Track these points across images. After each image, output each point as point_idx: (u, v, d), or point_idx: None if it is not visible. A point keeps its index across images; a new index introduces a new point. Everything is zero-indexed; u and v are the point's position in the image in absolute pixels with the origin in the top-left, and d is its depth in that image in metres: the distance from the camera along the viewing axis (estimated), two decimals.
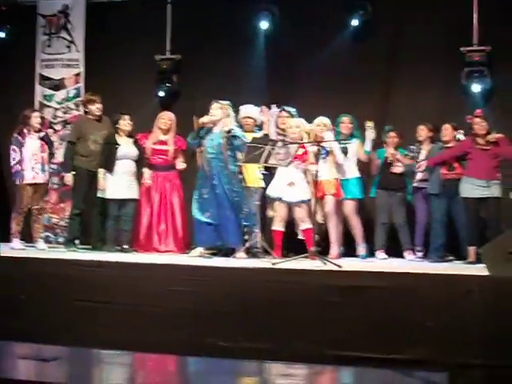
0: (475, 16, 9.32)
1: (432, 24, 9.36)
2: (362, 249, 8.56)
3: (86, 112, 8.99)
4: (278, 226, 8.14)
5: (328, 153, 8.30)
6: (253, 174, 8.26)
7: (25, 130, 8.70)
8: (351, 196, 8.51)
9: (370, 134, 8.47)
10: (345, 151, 8.49)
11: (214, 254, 8.20)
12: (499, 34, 9.08)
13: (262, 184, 8.28)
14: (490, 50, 9.16)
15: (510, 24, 8.96)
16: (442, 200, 8.32)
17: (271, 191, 8.16)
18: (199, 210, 8.05)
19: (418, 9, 9.50)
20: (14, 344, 6.01)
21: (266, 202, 8.33)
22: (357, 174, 8.60)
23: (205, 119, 8.04)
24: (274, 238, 8.17)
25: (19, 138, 8.68)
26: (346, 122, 8.61)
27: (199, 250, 8.05)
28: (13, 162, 8.66)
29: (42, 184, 8.81)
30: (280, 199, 8.08)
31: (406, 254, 8.61)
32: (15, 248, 8.42)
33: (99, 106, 8.85)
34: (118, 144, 8.51)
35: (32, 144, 8.69)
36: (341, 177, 8.44)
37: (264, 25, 9.91)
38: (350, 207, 8.54)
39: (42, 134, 8.88)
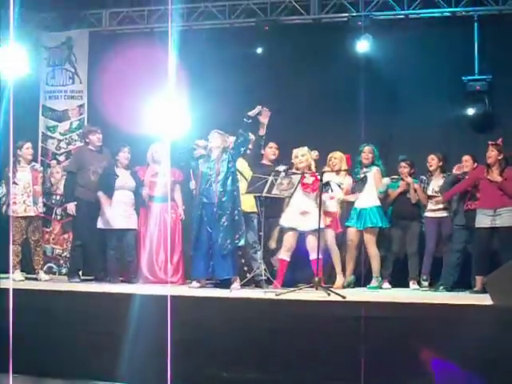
0: (476, 46, 9.39)
1: (434, 54, 9.40)
2: (373, 280, 8.52)
3: (86, 143, 8.99)
4: (284, 255, 8.10)
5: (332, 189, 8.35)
6: (246, 200, 8.20)
7: (17, 162, 8.69)
8: (370, 225, 8.49)
9: (387, 180, 8.59)
10: (364, 180, 8.53)
11: (218, 285, 8.15)
12: (499, 64, 9.15)
13: (255, 209, 8.27)
14: (490, 79, 9.22)
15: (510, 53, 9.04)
16: (463, 231, 8.29)
17: (285, 221, 8.13)
18: (192, 240, 8.02)
19: (420, 38, 9.56)
20: (14, 377, 6.00)
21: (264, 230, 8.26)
22: (376, 203, 8.57)
23: (200, 143, 8.06)
24: (278, 267, 8.13)
25: (12, 169, 8.61)
26: (365, 152, 8.65)
27: (200, 281, 7.99)
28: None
29: (35, 216, 8.76)
30: (294, 229, 8.04)
31: (411, 283, 8.59)
32: (16, 280, 8.37)
33: (99, 136, 8.85)
34: (116, 175, 8.52)
35: (23, 176, 8.68)
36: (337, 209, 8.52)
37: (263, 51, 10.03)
38: (367, 236, 8.51)
39: (33, 165, 8.88)
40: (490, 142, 8.00)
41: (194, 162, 8.11)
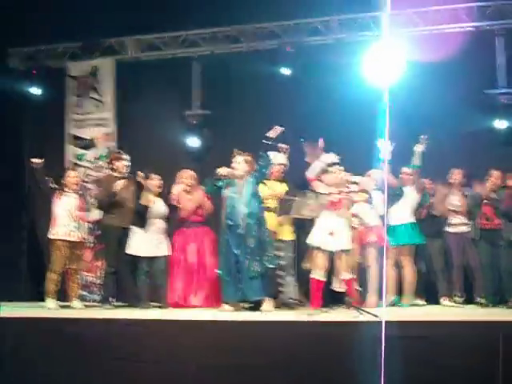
0: (499, 59, 9.38)
1: (456, 67, 9.40)
2: (405, 298, 8.50)
3: (113, 170, 9.01)
4: (317, 275, 8.00)
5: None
6: (285, 227, 8.26)
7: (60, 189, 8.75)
8: (405, 242, 8.52)
9: (419, 147, 8.47)
10: (400, 194, 8.57)
11: (251, 308, 8.13)
12: None
13: (294, 236, 8.29)
14: None
15: None
16: (486, 246, 8.27)
17: (311, 240, 8.10)
18: (220, 264, 8.05)
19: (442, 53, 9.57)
20: None
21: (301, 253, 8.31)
22: (411, 220, 8.58)
23: (224, 171, 8.07)
24: (311, 287, 8.07)
25: (56, 194, 8.72)
26: (403, 173, 8.68)
27: (233, 304, 7.99)
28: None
29: (78, 243, 8.79)
30: (319, 248, 8.00)
31: (442, 299, 8.56)
32: (51, 308, 8.40)
33: (126, 163, 8.85)
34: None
35: (67, 201, 8.68)
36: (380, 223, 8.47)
37: (286, 72, 10.10)
38: (404, 253, 8.53)
39: (81, 193, 8.94)
40: None
41: (219, 189, 8.13)
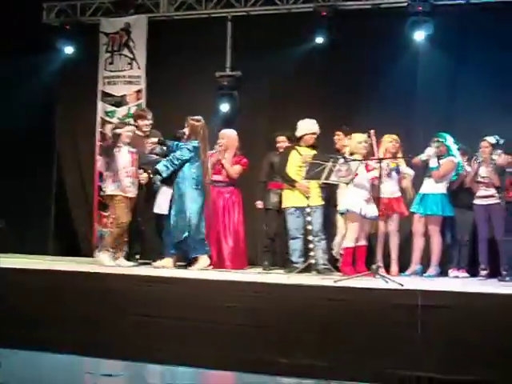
0: None
1: (494, 39, 9.23)
2: (431, 269, 8.45)
3: (135, 127, 8.82)
4: (362, 241, 8.07)
5: (398, 171, 8.37)
6: (313, 192, 8.22)
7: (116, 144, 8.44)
8: (431, 212, 8.43)
9: (431, 150, 8.40)
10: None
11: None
12: None
13: (322, 202, 8.29)
14: None
15: None
16: None
17: (349, 205, 7.99)
18: None
19: (481, 23, 9.40)
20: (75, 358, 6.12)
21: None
22: (442, 191, 8.45)
23: None
24: (357, 254, 8.04)
25: (110, 150, 8.44)
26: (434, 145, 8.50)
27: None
28: (106, 173, 8.45)
29: (133, 198, 8.50)
30: (365, 216, 7.97)
31: (450, 271, 8.55)
32: (105, 264, 8.14)
33: (148, 122, 8.81)
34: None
35: (123, 157, 8.39)
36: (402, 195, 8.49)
37: (320, 40, 9.98)
38: (430, 224, 8.46)
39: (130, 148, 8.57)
40: None
41: None
